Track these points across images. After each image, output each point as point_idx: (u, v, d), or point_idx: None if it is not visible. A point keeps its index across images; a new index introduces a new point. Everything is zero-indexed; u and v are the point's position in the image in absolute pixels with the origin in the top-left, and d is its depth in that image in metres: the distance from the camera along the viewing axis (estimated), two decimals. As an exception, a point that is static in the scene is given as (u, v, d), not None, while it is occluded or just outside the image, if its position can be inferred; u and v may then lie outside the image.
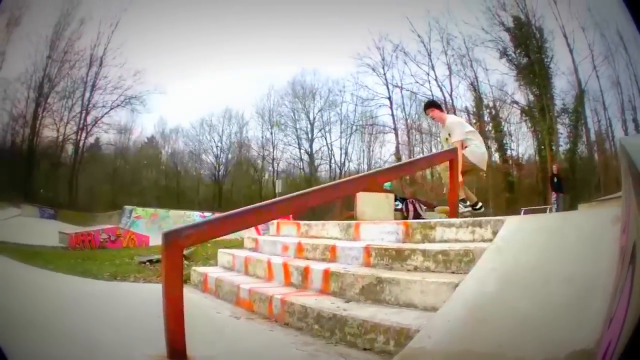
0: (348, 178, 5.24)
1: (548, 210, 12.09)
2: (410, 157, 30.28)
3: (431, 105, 7.57)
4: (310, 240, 5.65)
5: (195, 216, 24.78)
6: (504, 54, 29.74)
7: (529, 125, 29.39)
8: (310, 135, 38.16)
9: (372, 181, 5.31)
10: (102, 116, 36.04)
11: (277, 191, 27.20)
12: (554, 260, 2.68)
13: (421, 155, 28.39)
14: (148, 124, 44.82)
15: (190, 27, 44.78)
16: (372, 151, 37.21)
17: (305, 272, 4.54)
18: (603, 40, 23.86)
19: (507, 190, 27.34)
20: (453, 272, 3.55)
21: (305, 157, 38.22)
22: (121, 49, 34.81)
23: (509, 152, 30.34)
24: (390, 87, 35.11)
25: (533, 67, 28.23)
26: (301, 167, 38.53)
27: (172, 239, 3.09)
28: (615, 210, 2.45)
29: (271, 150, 38.59)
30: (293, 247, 5.57)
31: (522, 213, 12.48)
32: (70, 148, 35.73)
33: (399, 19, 37.71)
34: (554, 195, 15.58)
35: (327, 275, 4.21)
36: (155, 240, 17.56)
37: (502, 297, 2.49)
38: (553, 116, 27.25)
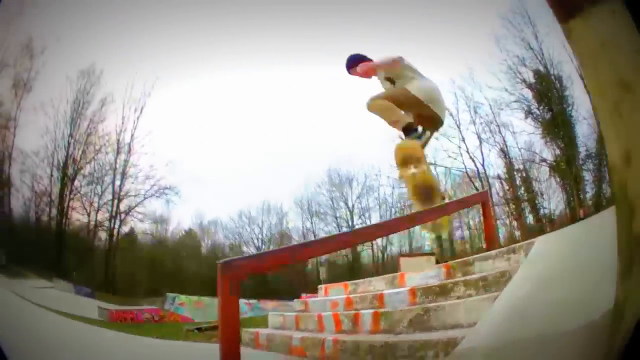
0: (390, 220, 5.56)
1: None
2: (450, 234, 31.12)
3: (354, 60, 5.29)
4: (358, 294, 5.86)
5: (241, 303, 24.37)
6: (528, 112, 30.37)
7: (557, 179, 29.54)
8: (350, 222, 38.48)
9: (412, 221, 5.56)
10: (136, 205, 36.58)
11: (321, 278, 27.19)
12: (578, 263, 2.89)
13: (461, 232, 28.79)
14: (185, 215, 45.59)
15: (220, 116, 45.99)
16: (413, 232, 36.72)
17: (355, 318, 4.75)
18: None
19: None
20: (494, 291, 3.73)
21: None
22: (149, 136, 36.30)
23: (541, 211, 30.34)
24: None
25: (556, 120, 28.68)
26: (344, 253, 38.20)
27: (229, 267, 3.38)
28: None
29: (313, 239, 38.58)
30: (342, 301, 5.80)
31: None
32: (103, 234, 36.15)
33: None
34: None
35: (376, 316, 4.42)
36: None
37: (535, 294, 2.71)
38: (578, 164, 27.41)
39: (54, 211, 34.06)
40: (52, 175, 34.34)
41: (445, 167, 34.63)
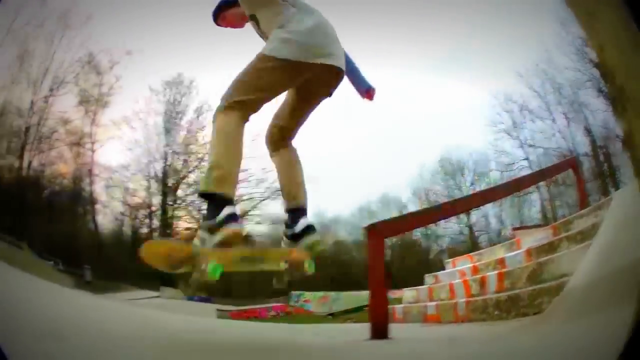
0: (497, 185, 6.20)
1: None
2: (554, 215, 31.93)
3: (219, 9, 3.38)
4: (482, 262, 6.54)
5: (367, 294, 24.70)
6: (599, 91, 30.54)
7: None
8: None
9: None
10: (251, 208, 35.89)
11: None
12: None
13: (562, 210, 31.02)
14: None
15: (330, 110, 47.45)
16: (522, 214, 37.39)
17: (482, 280, 5.46)
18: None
19: None
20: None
21: (466, 230, 39.21)
22: (257, 139, 36.02)
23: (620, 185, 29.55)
24: (525, 147, 36.53)
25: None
26: (463, 239, 39.29)
27: (375, 228, 4.03)
28: None
29: (434, 228, 39.38)
30: (469, 270, 6.50)
31: None
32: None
33: (514, 77, 40.88)
34: None
35: (500, 276, 5.13)
36: None
37: (615, 237, 3.31)
38: None
39: (155, 222, 34.50)
40: (150, 187, 34.81)
41: (544, 148, 35.07)
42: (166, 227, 34.24)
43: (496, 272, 5.30)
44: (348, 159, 44.97)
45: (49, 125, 31.30)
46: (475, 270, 6.36)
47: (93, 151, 33.29)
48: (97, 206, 33.79)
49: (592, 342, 2.30)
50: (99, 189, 33.91)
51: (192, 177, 35.31)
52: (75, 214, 32.94)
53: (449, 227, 38.89)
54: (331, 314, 10.05)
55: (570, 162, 7.07)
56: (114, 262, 29.13)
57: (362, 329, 3.82)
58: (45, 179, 31.94)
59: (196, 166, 35.38)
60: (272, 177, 36.97)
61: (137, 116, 34.81)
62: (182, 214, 35.67)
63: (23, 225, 26.52)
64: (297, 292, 27.35)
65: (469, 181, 39.46)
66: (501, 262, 5.80)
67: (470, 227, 38.70)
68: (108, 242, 33.79)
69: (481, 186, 37.86)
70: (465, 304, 5.02)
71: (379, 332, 3.55)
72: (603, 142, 31.57)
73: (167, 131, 35.71)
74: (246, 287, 34.57)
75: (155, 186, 35.01)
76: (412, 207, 39.85)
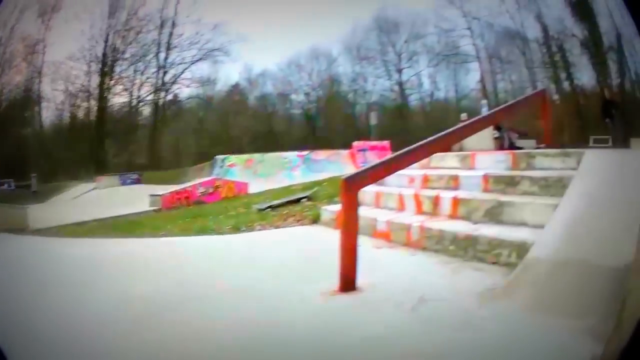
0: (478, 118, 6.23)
1: (610, 140, 12.55)
2: (493, 85, 35.34)
3: None
4: (434, 171, 6.75)
5: (293, 156, 25.63)
6: None
7: (588, 57, 31.72)
8: (398, 66, 39.65)
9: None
10: (182, 72, 38.48)
11: (371, 123, 27.94)
12: (619, 187, 3.68)
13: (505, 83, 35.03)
14: (232, 73, 47.20)
15: None
16: (458, 79, 38.60)
17: (435, 201, 5.72)
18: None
19: (578, 118, 29.11)
20: (552, 195, 4.66)
21: (396, 87, 39.82)
22: (194, 6, 36.41)
23: (575, 81, 32.50)
24: (469, 18, 36.85)
25: (582, 5, 30.53)
26: (393, 97, 40.26)
27: (350, 182, 4.11)
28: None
29: (362, 83, 40.29)
30: (419, 178, 6.70)
31: (591, 142, 13.14)
32: (147, 110, 38.41)
33: None
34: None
35: (455, 202, 5.39)
36: (255, 187, 18.64)
37: (586, 219, 3.53)
38: (603, 51, 29.67)
39: (93, 102, 36.34)
40: (90, 71, 36.20)
41: (488, 23, 35.94)
42: (103, 109, 36.18)
43: (451, 196, 5.52)
44: (278, 11, 43.00)
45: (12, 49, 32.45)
46: (425, 180, 6.57)
47: (44, 53, 34.18)
48: (43, 104, 35.36)
49: (565, 345, 2.55)
50: (45, 87, 35.12)
51: (128, 52, 36.98)
52: (24, 123, 34.65)
53: (378, 82, 39.57)
54: (270, 207, 10.01)
55: (541, 94, 7.47)
56: (56, 159, 31.67)
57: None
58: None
59: (134, 39, 36.98)
60: (206, 38, 37.78)
61: (85, 9, 34.99)
62: (119, 90, 37.16)
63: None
64: (222, 156, 27.98)
65: (403, 39, 39.34)
66: (455, 180, 6.02)
67: (401, 85, 39.33)
68: (50, 139, 35.28)
69: (416, 47, 38.45)
70: (419, 230, 5.23)
71: (347, 286, 3.89)
72: (557, 35, 32.83)
73: (111, 14, 36.32)
74: (175, 153, 35.93)
75: (94, 67, 36.20)
76: (343, 61, 40.26)
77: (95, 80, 36.24)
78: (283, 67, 40.96)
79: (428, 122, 32.78)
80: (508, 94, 33.10)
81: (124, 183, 29.37)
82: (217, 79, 40.21)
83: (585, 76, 32.46)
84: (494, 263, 4.22)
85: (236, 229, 8.40)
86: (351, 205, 4.12)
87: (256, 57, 46.52)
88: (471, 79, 38.12)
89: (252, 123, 39.61)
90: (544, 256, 3.44)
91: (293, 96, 41.55)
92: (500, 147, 9.59)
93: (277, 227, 8.13)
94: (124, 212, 15.47)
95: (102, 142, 35.73)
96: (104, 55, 36.25)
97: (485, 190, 5.52)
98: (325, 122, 39.92)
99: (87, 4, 34.75)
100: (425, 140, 4.77)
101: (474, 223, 4.96)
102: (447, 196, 5.61)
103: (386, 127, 29.90)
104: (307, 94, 40.99)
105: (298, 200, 10.20)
